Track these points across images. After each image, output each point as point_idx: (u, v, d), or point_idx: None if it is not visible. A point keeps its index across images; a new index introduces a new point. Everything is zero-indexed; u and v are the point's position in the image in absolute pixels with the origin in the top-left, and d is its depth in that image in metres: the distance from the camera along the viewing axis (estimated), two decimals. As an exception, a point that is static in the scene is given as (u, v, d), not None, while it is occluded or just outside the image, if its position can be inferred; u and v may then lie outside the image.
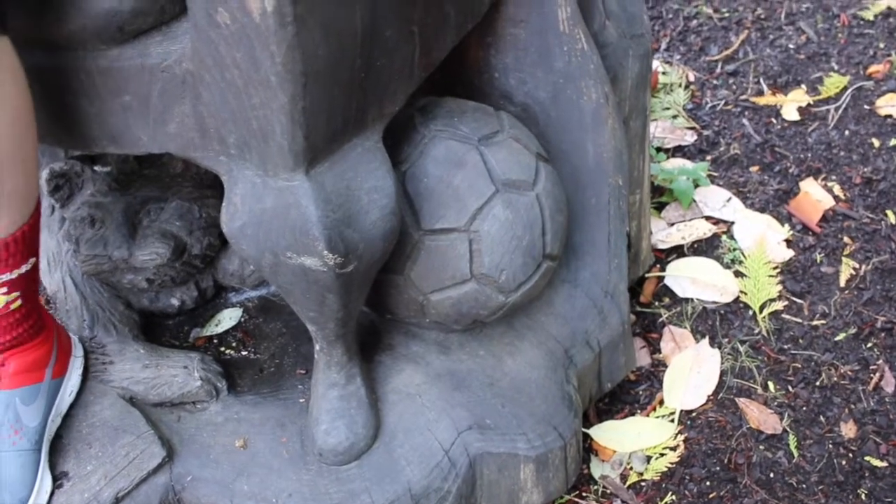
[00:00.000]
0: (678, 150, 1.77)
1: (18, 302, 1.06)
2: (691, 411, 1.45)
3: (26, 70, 0.98)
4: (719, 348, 1.50)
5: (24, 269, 1.04)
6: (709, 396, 1.46)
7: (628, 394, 1.50)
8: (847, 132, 1.73)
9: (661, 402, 1.48)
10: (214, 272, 1.28)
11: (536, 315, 1.34)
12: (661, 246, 1.65)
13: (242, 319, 1.31)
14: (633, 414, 1.47)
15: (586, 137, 1.34)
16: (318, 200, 1.00)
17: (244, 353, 1.27)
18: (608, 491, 1.38)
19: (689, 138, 1.78)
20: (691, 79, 1.88)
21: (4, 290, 1.03)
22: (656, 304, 1.60)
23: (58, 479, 1.13)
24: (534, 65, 1.31)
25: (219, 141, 1.01)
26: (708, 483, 1.37)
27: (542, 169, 1.23)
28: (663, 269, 1.63)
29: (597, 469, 1.41)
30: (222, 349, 1.28)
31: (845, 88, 1.80)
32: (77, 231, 1.21)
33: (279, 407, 1.23)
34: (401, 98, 1.09)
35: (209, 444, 1.19)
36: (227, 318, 1.30)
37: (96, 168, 1.22)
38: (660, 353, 1.54)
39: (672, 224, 1.67)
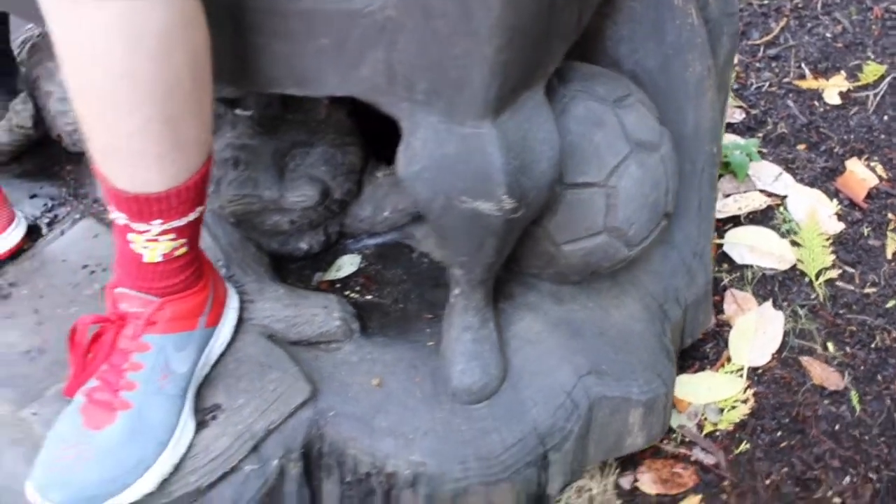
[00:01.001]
0: (728, 127, 1.88)
1: (184, 249, 1.08)
2: (757, 368, 1.56)
3: (219, 8, 1.00)
4: (781, 311, 1.62)
5: (192, 216, 1.05)
6: (773, 355, 1.57)
7: (697, 350, 1.59)
8: (886, 117, 1.86)
9: (729, 360, 1.58)
10: (344, 218, 1.32)
11: (636, 272, 1.43)
12: (718, 215, 1.75)
13: (362, 265, 1.36)
14: (702, 369, 1.57)
15: (688, 107, 1.42)
16: (503, 148, 1.05)
17: (368, 297, 1.32)
18: (686, 439, 1.48)
19: (738, 116, 1.88)
20: (735, 61, 1.98)
21: (172, 236, 1.05)
22: (716, 269, 1.70)
23: (210, 410, 1.16)
24: (646, 36, 1.39)
25: (406, 87, 1.06)
26: (779, 433, 1.48)
27: (664, 133, 1.31)
28: (721, 237, 1.73)
29: (674, 419, 1.50)
30: (346, 293, 1.32)
31: (883, 77, 1.93)
32: (219, 172, 1.24)
33: (409, 349, 1.28)
34: (559, 57, 1.15)
35: (347, 382, 1.24)
36: (347, 264, 1.35)
37: (237, 111, 1.25)
38: (723, 314, 1.64)
39: (728, 195, 1.78)
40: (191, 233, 1.08)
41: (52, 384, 1.19)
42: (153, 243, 1.04)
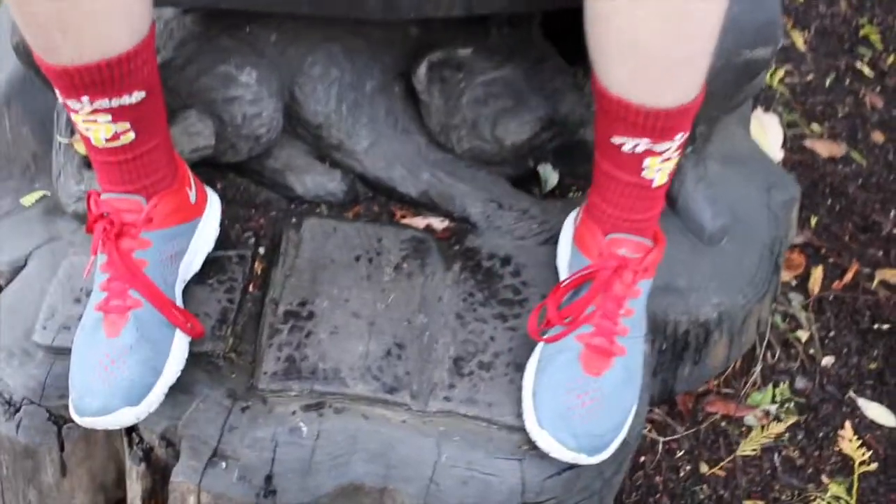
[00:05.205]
0: None
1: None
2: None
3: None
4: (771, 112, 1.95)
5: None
6: (783, 148, 1.90)
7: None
8: None
9: (757, 164, 1.88)
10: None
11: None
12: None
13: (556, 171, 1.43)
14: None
15: None
16: (777, -4, 1.23)
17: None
18: (778, 231, 1.76)
19: None
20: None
21: (679, 152, 1.07)
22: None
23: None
24: None
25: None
26: (829, 201, 1.82)
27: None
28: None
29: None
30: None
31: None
32: (472, 113, 1.25)
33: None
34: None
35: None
36: (551, 175, 1.41)
37: (460, 51, 1.25)
38: (727, 133, 1.93)
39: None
40: None
41: (433, 370, 1.15)
42: (668, 163, 1.06)
